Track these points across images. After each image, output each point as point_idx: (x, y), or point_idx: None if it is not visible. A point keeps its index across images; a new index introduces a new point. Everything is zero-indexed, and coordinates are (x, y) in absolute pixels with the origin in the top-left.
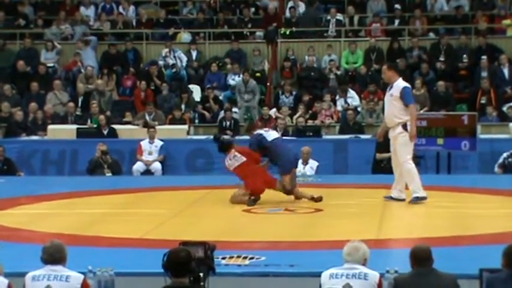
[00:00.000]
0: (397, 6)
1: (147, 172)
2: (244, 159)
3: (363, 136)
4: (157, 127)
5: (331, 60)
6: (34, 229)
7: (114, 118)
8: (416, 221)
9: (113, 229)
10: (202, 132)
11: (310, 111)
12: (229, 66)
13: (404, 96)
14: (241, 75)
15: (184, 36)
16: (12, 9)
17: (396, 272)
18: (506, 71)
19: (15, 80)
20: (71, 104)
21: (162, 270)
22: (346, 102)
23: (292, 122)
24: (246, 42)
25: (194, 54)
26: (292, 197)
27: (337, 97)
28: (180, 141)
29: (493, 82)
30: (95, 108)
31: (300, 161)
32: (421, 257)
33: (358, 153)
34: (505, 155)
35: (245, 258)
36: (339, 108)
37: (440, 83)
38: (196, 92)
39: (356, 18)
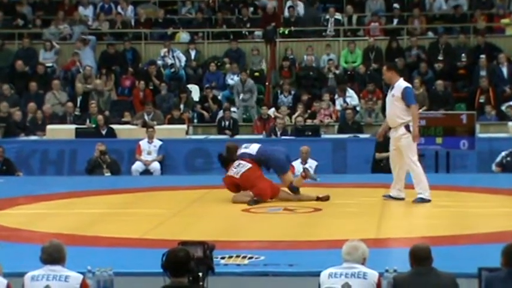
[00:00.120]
0: (396, 5)
1: (146, 172)
2: (250, 165)
3: (361, 135)
4: (156, 127)
5: (329, 59)
6: (33, 229)
7: (112, 118)
8: (416, 220)
9: (112, 229)
10: (201, 132)
11: (309, 111)
12: (228, 65)
13: (406, 96)
14: (239, 75)
15: (183, 36)
16: (11, 9)
17: (395, 271)
18: (505, 70)
19: (14, 80)
20: (70, 104)
21: (161, 270)
22: (345, 101)
23: (291, 122)
24: (245, 42)
25: (193, 53)
26: (292, 198)
27: (336, 96)
28: (179, 141)
29: (491, 81)
30: (94, 108)
31: (299, 161)
32: (420, 256)
33: (357, 152)
34: (503, 153)
35: (244, 257)
36: (338, 107)
37: (439, 82)
38: (195, 91)
39: (355, 18)
